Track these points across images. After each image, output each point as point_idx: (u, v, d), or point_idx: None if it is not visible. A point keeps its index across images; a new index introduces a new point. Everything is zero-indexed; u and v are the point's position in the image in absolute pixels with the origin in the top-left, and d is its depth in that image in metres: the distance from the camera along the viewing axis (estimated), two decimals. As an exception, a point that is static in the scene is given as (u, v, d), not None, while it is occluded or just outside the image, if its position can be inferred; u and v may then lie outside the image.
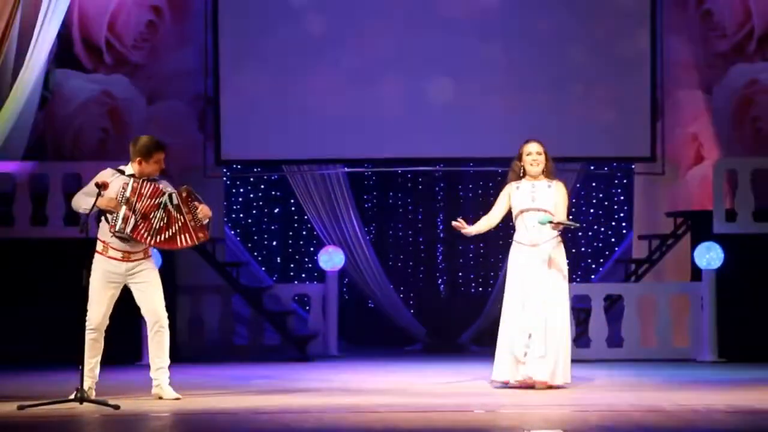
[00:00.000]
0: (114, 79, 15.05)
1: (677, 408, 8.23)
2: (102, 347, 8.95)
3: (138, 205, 8.83)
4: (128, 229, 8.81)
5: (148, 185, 8.90)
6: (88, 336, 8.84)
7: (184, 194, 8.94)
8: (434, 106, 14.55)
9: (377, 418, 7.90)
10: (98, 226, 9.01)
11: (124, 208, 8.80)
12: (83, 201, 8.86)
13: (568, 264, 10.05)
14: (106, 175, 8.97)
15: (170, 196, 8.90)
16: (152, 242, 8.89)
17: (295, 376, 11.36)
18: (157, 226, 8.87)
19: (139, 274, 8.97)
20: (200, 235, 8.96)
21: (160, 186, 8.96)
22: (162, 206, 8.87)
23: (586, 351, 13.35)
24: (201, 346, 14.19)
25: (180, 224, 8.91)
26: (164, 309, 9.03)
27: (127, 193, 8.83)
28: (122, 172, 9.00)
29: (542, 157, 9.86)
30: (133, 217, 8.81)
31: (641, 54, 14.49)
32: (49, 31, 13.79)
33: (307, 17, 14.70)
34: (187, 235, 8.92)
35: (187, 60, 14.98)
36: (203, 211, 8.96)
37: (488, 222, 10.05)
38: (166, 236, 8.89)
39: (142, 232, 8.83)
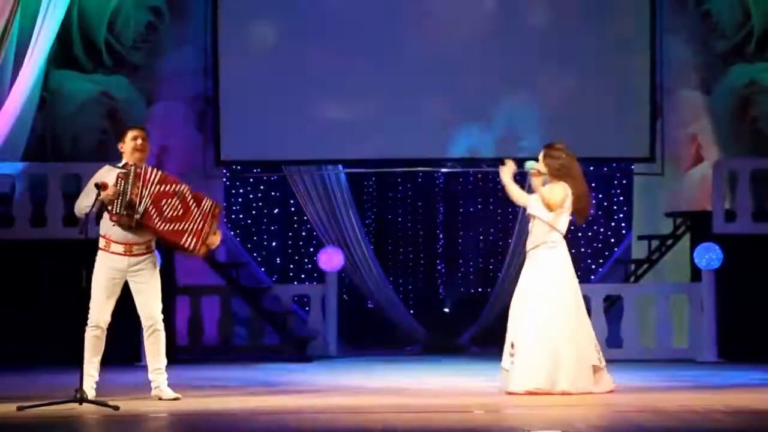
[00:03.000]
0: (113, 79, 15.05)
1: (677, 408, 8.22)
2: (103, 346, 8.85)
3: (145, 191, 8.71)
4: (139, 212, 8.68)
5: (153, 171, 8.79)
6: (90, 333, 8.77)
7: (216, 210, 8.86)
8: (434, 106, 14.55)
9: (377, 418, 7.89)
10: (98, 224, 8.93)
11: (127, 195, 8.70)
12: (84, 200, 8.77)
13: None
14: (103, 171, 8.90)
15: (207, 201, 8.82)
16: (161, 228, 8.70)
17: (294, 377, 11.35)
18: (169, 215, 8.72)
19: (141, 273, 8.87)
20: (202, 249, 8.82)
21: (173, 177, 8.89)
22: (178, 195, 8.80)
23: (585, 351, 13.32)
24: (200, 347, 14.20)
25: (196, 227, 8.75)
26: (160, 312, 8.95)
27: (130, 179, 8.70)
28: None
29: None
30: (141, 201, 8.70)
31: (641, 54, 14.49)
32: (48, 31, 13.81)
33: (307, 17, 14.70)
34: (195, 240, 8.74)
35: (187, 60, 14.98)
36: (216, 236, 8.91)
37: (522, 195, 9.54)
38: (176, 227, 8.71)
39: (153, 216, 8.69)
